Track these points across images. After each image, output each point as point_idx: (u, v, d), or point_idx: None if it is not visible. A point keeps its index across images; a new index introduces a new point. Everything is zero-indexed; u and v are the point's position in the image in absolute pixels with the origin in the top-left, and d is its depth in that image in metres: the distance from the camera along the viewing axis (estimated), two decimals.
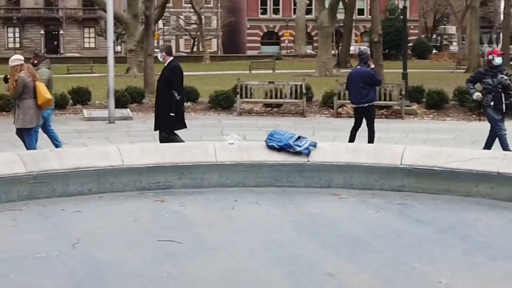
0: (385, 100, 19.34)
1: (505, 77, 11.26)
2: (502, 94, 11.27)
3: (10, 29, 79.16)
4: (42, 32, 78.23)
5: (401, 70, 22.05)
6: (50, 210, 7.29)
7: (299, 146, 8.55)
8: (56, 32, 79.39)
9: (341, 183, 8.38)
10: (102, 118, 17.75)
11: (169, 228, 6.72)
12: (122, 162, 8.12)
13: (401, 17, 28.50)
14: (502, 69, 11.53)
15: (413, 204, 7.71)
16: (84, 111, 19.01)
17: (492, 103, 11.30)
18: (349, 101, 17.73)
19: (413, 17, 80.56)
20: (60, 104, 19.58)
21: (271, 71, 46.33)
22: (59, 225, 6.80)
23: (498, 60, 11.45)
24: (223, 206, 7.60)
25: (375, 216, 7.30)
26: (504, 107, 11.31)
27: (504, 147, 11.21)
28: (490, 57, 11.59)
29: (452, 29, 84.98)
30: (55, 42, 79.85)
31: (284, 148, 8.55)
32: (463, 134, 15.48)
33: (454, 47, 77.17)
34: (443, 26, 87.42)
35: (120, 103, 19.13)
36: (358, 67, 12.80)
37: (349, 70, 14.00)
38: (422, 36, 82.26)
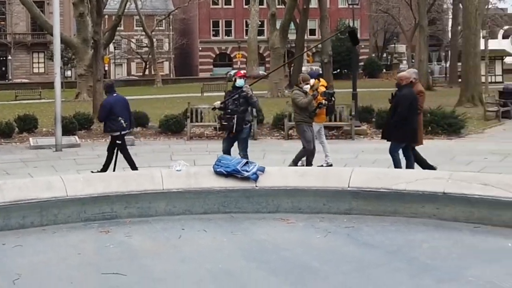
0: (335, 120, 19.46)
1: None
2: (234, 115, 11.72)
3: None
4: None
5: (351, 90, 22.24)
6: None
7: (247, 171, 8.49)
8: (4, 58, 78.13)
9: (290, 207, 8.34)
10: (49, 146, 17.46)
11: (114, 260, 6.57)
12: (66, 192, 7.93)
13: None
14: (242, 90, 11.89)
15: (361, 227, 7.70)
16: (31, 139, 18.67)
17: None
18: None
19: (364, 37, 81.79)
20: (6, 132, 19.26)
21: (223, 93, 46.27)
22: None
23: (239, 82, 11.99)
24: (170, 235, 7.48)
25: (323, 240, 7.27)
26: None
27: None
28: (233, 79, 12.25)
29: (402, 48, 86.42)
30: (3, 68, 78.53)
31: (232, 174, 8.48)
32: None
33: (404, 66, 78.31)
34: (393, 45, 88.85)
35: (68, 130, 18.87)
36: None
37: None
38: (373, 55, 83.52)
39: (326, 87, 13.55)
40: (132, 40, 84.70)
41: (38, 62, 78.79)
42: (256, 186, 8.41)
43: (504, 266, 6.26)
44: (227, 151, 11.94)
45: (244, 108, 11.88)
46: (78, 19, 38.97)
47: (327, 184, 8.36)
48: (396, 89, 11.60)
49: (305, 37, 53.82)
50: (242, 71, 12.72)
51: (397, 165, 11.37)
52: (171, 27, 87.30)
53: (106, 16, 51.16)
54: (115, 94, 13.02)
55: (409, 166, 11.55)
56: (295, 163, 12.45)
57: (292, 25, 46.38)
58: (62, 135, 17.46)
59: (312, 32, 78.43)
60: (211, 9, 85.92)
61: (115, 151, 12.67)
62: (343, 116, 19.48)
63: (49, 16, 47.94)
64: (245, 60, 77.35)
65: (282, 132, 19.74)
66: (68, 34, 55.07)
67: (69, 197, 7.91)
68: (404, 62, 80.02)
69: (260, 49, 75.35)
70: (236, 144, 12.11)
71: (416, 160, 11.84)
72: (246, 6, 75.27)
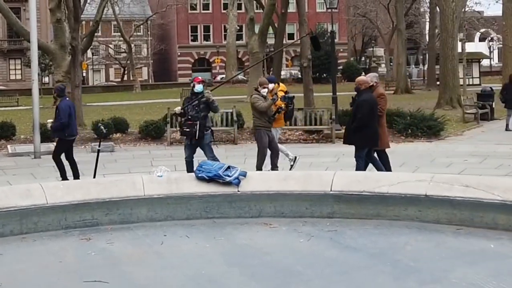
0: (315, 124, 19.50)
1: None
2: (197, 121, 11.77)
3: None
4: None
5: (331, 94, 22.29)
6: None
7: (229, 176, 8.45)
8: None
9: (272, 212, 8.31)
10: (28, 153, 17.30)
11: (95, 268, 6.50)
12: (46, 200, 7.83)
13: (330, 40, 28.84)
14: (202, 95, 11.95)
15: (344, 230, 7.69)
16: (9, 146, 18.48)
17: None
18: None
19: (342, 40, 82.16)
20: None
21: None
22: None
23: (198, 88, 12.00)
24: (152, 242, 7.42)
25: (306, 244, 7.25)
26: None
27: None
28: (192, 84, 12.27)
29: (380, 51, 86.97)
30: None
31: (213, 179, 8.44)
32: (392, 156, 15.54)
33: (382, 69, 78.79)
34: (371, 49, 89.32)
35: (47, 137, 18.64)
36: None
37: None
38: (352, 59, 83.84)
39: (285, 92, 13.55)
40: (110, 45, 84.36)
41: (15, 69, 78.11)
42: (238, 191, 8.38)
43: (487, 268, 6.27)
44: (190, 158, 11.97)
45: (205, 114, 11.90)
46: (55, 25, 38.55)
47: (310, 188, 8.35)
48: (356, 93, 11.52)
49: (284, 42, 53.91)
50: (200, 77, 12.72)
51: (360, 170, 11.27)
52: (149, 33, 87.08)
53: (84, 22, 50.85)
54: (67, 98, 13.01)
55: (378, 168, 11.49)
56: (259, 169, 12.39)
57: (270, 30, 46.43)
58: (41, 142, 17.30)
59: (291, 36, 78.55)
60: (189, 14, 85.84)
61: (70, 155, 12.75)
62: (323, 120, 19.52)
63: (25, 23, 47.57)
64: (224, 65, 77.38)
65: None
66: (45, 40, 54.62)
67: (49, 204, 7.82)
68: (383, 65, 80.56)
69: (239, 53, 75.54)
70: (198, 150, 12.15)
71: (374, 163, 11.68)
72: (224, 11, 75.32)
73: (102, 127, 12.47)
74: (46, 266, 6.58)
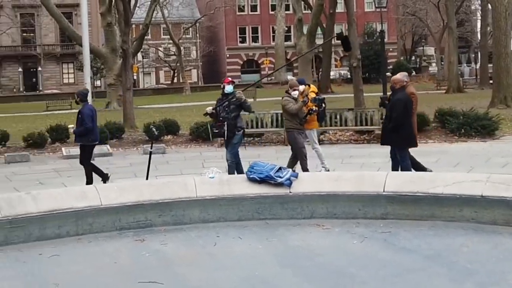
0: (366, 125, 19.33)
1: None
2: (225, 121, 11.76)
3: None
4: (20, 69, 77.94)
5: (381, 94, 22.09)
6: (26, 255, 7.10)
7: (280, 177, 8.43)
8: (35, 69, 79.12)
9: (324, 213, 8.26)
10: None
11: (149, 269, 6.56)
12: (100, 201, 7.95)
13: (379, 40, 28.64)
14: (233, 96, 11.84)
15: (398, 231, 7.60)
16: (63, 149, 18.78)
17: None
18: (330, 127, 17.80)
19: (392, 40, 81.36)
20: (39, 142, 19.44)
21: (252, 100, 46.34)
22: (36, 271, 6.62)
23: (228, 88, 11.96)
24: (204, 243, 7.45)
25: (359, 246, 7.18)
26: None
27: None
28: (222, 86, 12.20)
29: (430, 50, 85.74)
30: (34, 79, 79.55)
31: (265, 180, 8.43)
32: (445, 156, 15.45)
33: (433, 68, 77.69)
34: (421, 48, 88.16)
35: (99, 139, 18.92)
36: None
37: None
38: (401, 58, 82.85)
39: (316, 93, 13.47)
40: (160, 48, 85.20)
41: (68, 73, 79.68)
42: (290, 192, 8.36)
43: None
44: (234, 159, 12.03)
45: (236, 114, 11.89)
46: (106, 29, 39.37)
47: (362, 189, 8.28)
48: (391, 92, 11.45)
49: (333, 42, 53.70)
50: (229, 78, 12.74)
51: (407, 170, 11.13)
52: (198, 35, 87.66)
53: (134, 25, 51.41)
54: (89, 103, 12.94)
55: (394, 167, 11.35)
56: (306, 171, 12.26)
57: (319, 30, 46.28)
58: None
59: None
60: (237, 16, 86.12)
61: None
62: (374, 120, 19.33)
63: (77, 27, 48.35)
64: (273, 66, 77.40)
65: None
66: (97, 44, 55.62)
67: (103, 206, 7.93)
68: (433, 64, 79.38)
69: (287, 54, 75.39)
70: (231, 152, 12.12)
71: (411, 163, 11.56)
72: (272, 12, 75.39)
73: (154, 129, 12.57)
74: (101, 268, 6.66)
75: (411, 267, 6.37)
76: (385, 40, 24.26)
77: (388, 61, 69.19)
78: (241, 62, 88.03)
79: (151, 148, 12.33)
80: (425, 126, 20.04)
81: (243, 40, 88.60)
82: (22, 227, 7.47)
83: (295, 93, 12.36)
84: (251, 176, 8.51)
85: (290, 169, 8.72)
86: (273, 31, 79.88)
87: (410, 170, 11.14)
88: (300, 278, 6.13)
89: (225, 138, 11.96)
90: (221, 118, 11.82)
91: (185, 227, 8.04)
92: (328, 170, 12.92)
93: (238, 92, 11.93)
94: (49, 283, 6.14)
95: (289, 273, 6.31)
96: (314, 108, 12.55)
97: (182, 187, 8.48)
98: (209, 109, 12.06)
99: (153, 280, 6.10)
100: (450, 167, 13.17)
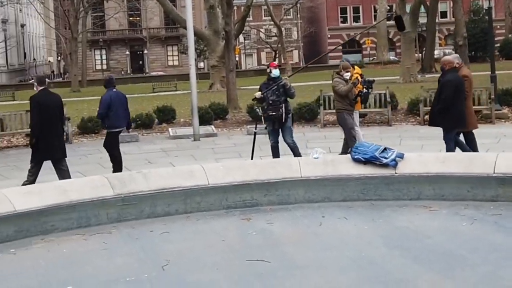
0: (473, 104, 18.73)
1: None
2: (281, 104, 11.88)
3: (97, 52, 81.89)
4: (127, 52, 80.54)
5: (489, 73, 21.37)
6: (138, 232, 7.36)
7: (386, 158, 8.34)
8: (141, 52, 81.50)
9: (432, 194, 8.12)
10: (187, 135, 17.95)
11: (256, 247, 6.65)
12: (207, 181, 8.12)
13: (486, 17, 27.69)
14: (281, 80, 12.04)
15: (509, 214, 7.38)
16: (170, 129, 19.26)
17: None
18: None
19: (499, 17, 78.35)
20: (147, 123, 20.02)
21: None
22: (148, 247, 6.84)
23: (275, 72, 12.18)
24: (310, 223, 7.49)
25: (469, 228, 7.03)
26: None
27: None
28: (268, 70, 12.40)
29: None
30: (140, 62, 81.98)
31: (370, 161, 8.36)
32: None
33: None
34: None
35: (204, 120, 19.32)
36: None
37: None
38: (510, 35, 79.68)
39: (361, 75, 13.20)
40: (261, 30, 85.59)
41: (173, 55, 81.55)
42: (396, 173, 8.26)
43: None
44: (276, 143, 12.17)
45: (285, 98, 12.02)
46: (208, 12, 39.82)
47: (471, 170, 8.08)
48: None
49: (437, 20, 52.36)
50: (275, 62, 12.83)
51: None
52: (298, 16, 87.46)
53: (235, 7, 51.84)
54: (114, 90, 12.41)
55: (464, 150, 10.90)
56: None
57: (422, 8, 45.15)
58: (199, 125, 17.93)
59: (444, 14, 76.16)
60: None
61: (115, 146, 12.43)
62: (481, 99, 18.74)
63: (181, 10, 49.33)
64: (375, 46, 76.32)
65: (418, 118, 19.27)
66: (200, 26, 56.52)
67: (211, 185, 8.10)
68: None
69: (389, 34, 74.15)
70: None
71: (458, 145, 11.15)
72: None
73: (258, 110, 12.66)
74: (210, 245, 6.81)
75: None
76: (492, 17, 23.35)
77: (496, 39, 66.71)
78: (342, 42, 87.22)
79: (256, 129, 12.46)
80: None
81: (344, 20, 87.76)
82: (134, 204, 7.75)
83: (347, 75, 12.30)
84: (355, 156, 8.47)
85: (396, 150, 8.60)
86: (375, 11, 78.68)
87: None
88: (409, 259, 6.06)
89: (283, 121, 12.03)
90: (271, 102, 11.89)
91: (290, 206, 8.10)
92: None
93: (285, 78, 12.12)
94: (161, 259, 6.33)
95: (397, 254, 6.25)
96: (363, 90, 12.41)
97: (286, 167, 8.54)
98: (258, 94, 12.15)
99: (261, 259, 6.19)
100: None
